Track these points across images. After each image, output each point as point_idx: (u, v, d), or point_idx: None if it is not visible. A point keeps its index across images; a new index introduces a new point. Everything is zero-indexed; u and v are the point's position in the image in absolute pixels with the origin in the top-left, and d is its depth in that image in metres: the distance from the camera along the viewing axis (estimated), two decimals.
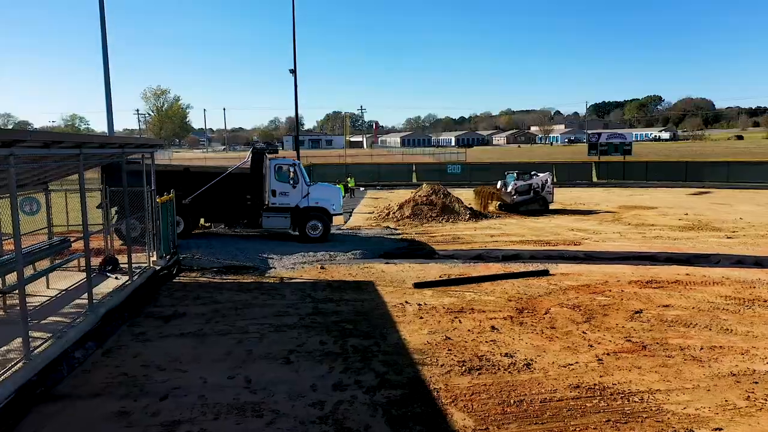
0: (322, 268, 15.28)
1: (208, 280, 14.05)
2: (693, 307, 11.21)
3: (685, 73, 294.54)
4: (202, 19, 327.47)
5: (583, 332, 9.81)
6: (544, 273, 14.19)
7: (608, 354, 8.79)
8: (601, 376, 7.95)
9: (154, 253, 15.07)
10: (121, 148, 12.37)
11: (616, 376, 7.98)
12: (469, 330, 9.97)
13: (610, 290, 12.56)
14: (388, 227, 22.69)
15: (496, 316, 10.78)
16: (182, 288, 13.22)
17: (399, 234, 21.09)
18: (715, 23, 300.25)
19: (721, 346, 9.08)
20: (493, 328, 10.06)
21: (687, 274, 13.97)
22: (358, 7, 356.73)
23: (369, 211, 27.49)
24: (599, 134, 47.71)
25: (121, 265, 14.18)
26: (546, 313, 10.89)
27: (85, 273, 14.61)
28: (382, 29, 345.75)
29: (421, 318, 10.68)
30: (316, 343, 9.34)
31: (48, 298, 11.72)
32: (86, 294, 11.80)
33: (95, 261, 15.34)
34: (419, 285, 13.15)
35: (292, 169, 19.11)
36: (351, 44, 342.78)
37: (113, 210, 17.64)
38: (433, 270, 14.85)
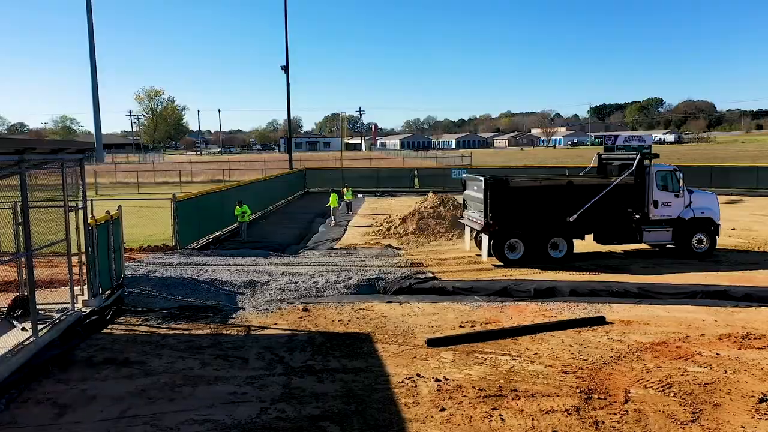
0: (304, 309, 11.77)
1: (149, 331, 10.49)
2: None
3: (685, 75, 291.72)
4: (199, 19, 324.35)
5: None
6: (600, 321, 10.69)
7: None
8: None
9: (85, 290, 11.53)
10: (18, 154, 8.80)
11: None
12: None
13: (700, 353, 9.05)
14: (389, 246, 19.13)
15: (554, 406, 7.26)
16: (110, 345, 9.66)
17: (402, 254, 17.59)
18: (716, 25, 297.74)
19: None
20: None
21: None
22: (357, 9, 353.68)
23: (367, 224, 23.81)
24: (616, 136, 43.89)
25: (43, 307, 10.58)
26: (626, 402, 7.38)
27: None
28: (382, 30, 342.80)
29: (443, 410, 7.16)
30: None
31: None
32: None
33: (5, 300, 11.85)
34: (434, 342, 9.63)
35: (677, 176, 16.68)
36: (350, 46, 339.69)
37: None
38: (450, 314, 11.35)
